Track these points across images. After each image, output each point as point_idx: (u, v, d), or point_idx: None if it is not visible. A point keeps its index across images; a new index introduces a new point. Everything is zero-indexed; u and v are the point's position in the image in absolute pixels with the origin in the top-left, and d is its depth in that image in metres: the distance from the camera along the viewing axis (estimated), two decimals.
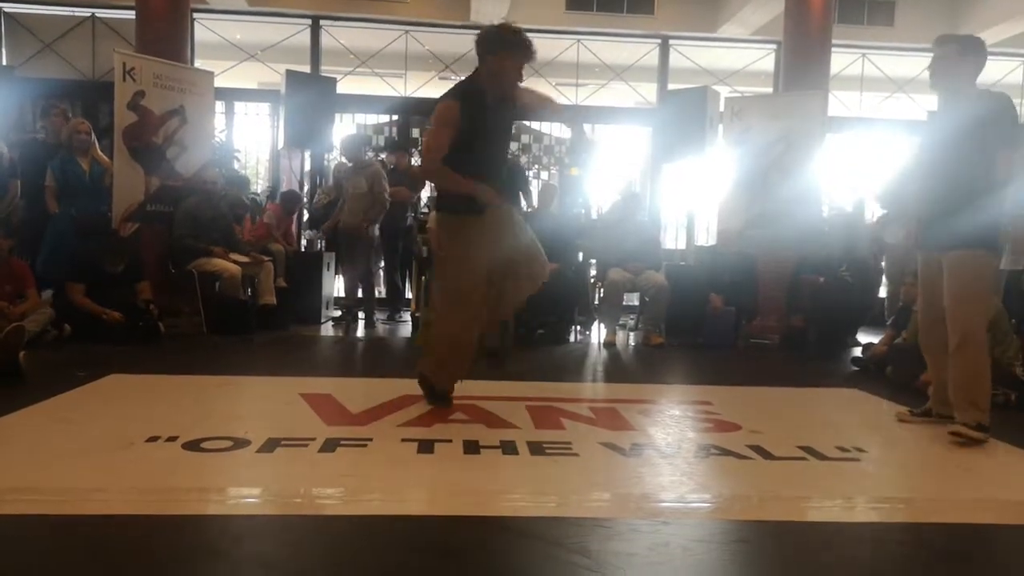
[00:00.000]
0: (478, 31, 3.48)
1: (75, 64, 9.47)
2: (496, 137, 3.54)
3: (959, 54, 3.36)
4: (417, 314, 6.89)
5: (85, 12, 9.46)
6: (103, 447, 2.85)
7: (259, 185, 10.00)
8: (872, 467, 2.95)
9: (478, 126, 3.37)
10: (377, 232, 7.07)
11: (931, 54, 3.44)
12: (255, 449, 2.87)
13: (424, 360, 3.72)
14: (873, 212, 7.89)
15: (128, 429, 3.07)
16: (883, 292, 7.73)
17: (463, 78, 3.55)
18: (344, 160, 7.69)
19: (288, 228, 7.85)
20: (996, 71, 10.01)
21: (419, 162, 3.47)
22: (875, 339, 5.72)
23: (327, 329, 6.96)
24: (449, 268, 3.61)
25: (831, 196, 7.96)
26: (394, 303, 7.82)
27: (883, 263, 7.39)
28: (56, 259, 5.94)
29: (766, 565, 2.08)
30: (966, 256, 3.30)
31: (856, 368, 5.36)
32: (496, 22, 3.54)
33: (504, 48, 3.37)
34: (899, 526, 2.40)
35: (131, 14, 7.58)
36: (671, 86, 9.83)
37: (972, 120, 3.27)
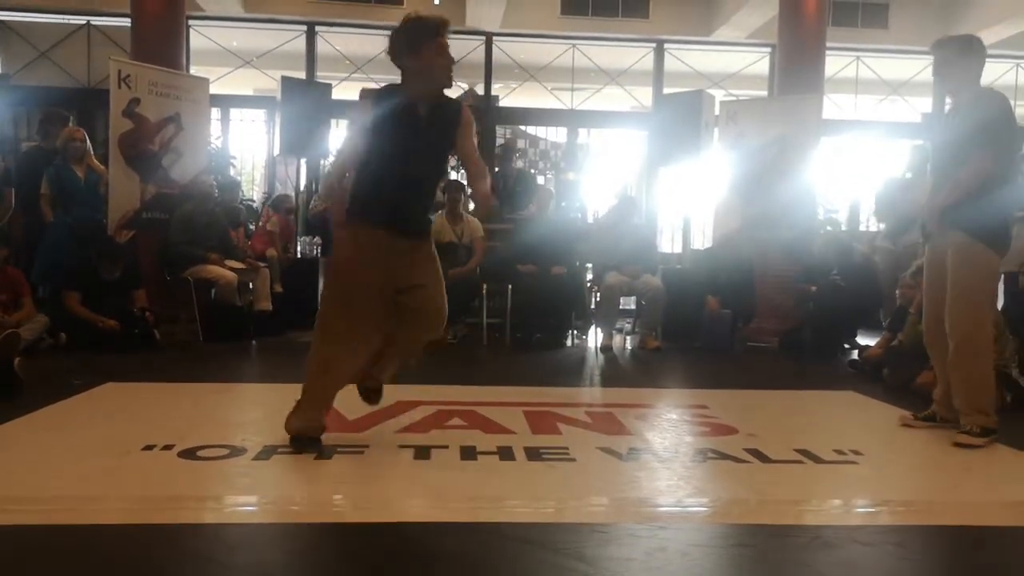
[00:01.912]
0: (393, 31, 3.02)
1: (70, 72, 9.48)
2: (425, 152, 3.00)
3: (959, 54, 3.37)
4: None
5: (80, 20, 9.47)
6: (99, 455, 2.84)
7: (255, 191, 10.00)
8: (869, 470, 2.95)
9: (404, 137, 2.92)
10: None
11: (929, 58, 3.45)
12: (251, 457, 2.87)
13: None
14: (868, 218, 7.90)
15: (124, 437, 3.06)
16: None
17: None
18: None
19: (291, 237, 7.82)
20: (990, 73, 10.03)
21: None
22: (872, 341, 5.74)
23: None
24: (339, 280, 3.06)
25: (826, 199, 7.98)
26: None
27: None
28: (52, 267, 5.92)
29: (764, 569, 2.08)
30: (969, 245, 3.27)
31: (853, 371, 5.36)
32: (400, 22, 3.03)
33: (425, 39, 2.92)
34: (897, 528, 2.40)
35: (126, 21, 7.60)
36: (666, 90, 9.86)
37: (969, 121, 3.28)
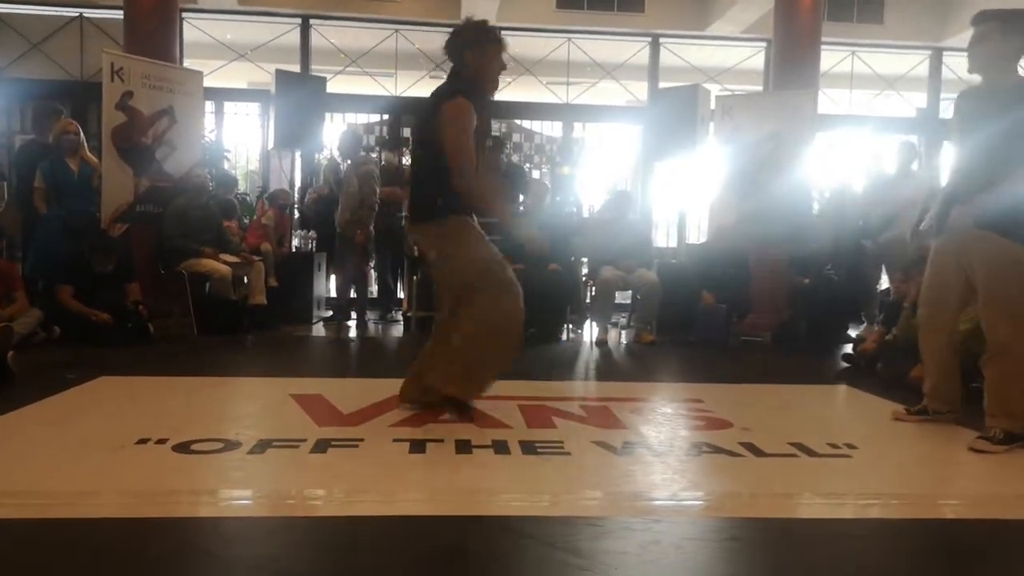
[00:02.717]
0: (454, 30, 3.37)
1: (63, 64, 9.41)
2: (486, 141, 3.50)
3: (1001, 32, 3.10)
4: (409, 314, 6.88)
5: (73, 12, 9.40)
6: (93, 450, 2.84)
7: (248, 185, 9.97)
8: (863, 463, 2.96)
9: (481, 131, 3.33)
10: (372, 232, 7.06)
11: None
12: (246, 450, 2.86)
13: (442, 376, 3.39)
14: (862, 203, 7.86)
15: (118, 431, 3.06)
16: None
17: (453, 78, 3.38)
18: (337, 158, 7.68)
19: (286, 231, 7.80)
20: None
21: (458, 176, 3.21)
22: (862, 330, 5.75)
23: (318, 329, 6.95)
24: (479, 264, 3.36)
25: (821, 193, 7.99)
26: (386, 303, 7.81)
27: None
28: (45, 260, 5.90)
29: (758, 562, 2.09)
30: (1003, 246, 3.09)
31: (847, 365, 5.38)
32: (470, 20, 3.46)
33: (490, 40, 3.33)
34: (890, 522, 2.41)
35: (119, 14, 7.54)
36: (662, 84, 9.84)
37: (1017, 107, 3.06)
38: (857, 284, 6.63)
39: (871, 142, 9.92)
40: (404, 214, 7.73)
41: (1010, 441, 3.12)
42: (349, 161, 7.13)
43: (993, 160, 3.13)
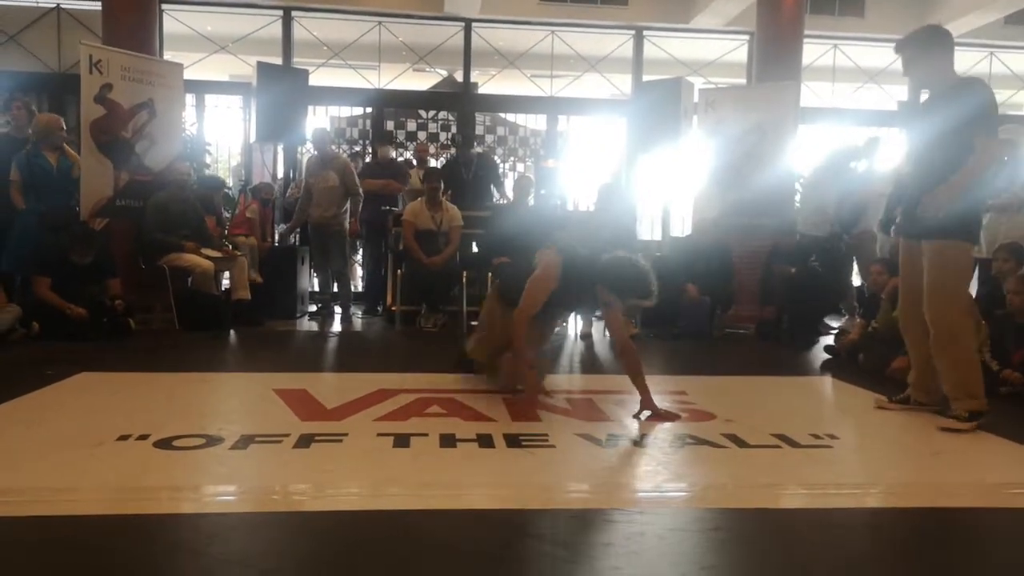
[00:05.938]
0: None
1: (40, 56, 9.29)
2: None
3: (923, 50, 3.39)
4: (393, 308, 6.85)
5: (50, 3, 9.27)
6: (72, 446, 2.80)
7: (230, 178, 9.89)
8: (845, 453, 2.99)
9: None
10: (350, 224, 7.03)
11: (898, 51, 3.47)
12: (228, 446, 2.84)
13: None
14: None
15: (98, 428, 3.02)
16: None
17: None
18: (314, 153, 7.65)
19: (269, 224, 7.75)
20: (965, 61, 10.14)
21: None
22: (844, 322, 5.79)
23: (302, 324, 6.91)
24: None
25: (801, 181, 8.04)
26: (374, 297, 7.77)
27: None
28: (23, 255, 5.82)
29: (741, 552, 2.10)
30: (945, 246, 3.33)
31: (829, 356, 5.42)
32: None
33: None
34: (872, 511, 2.43)
35: (97, 5, 7.45)
36: (645, 77, 9.85)
37: (955, 110, 3.28)
38: (838, 276, 6.68)
39: (852, 135, 10.00)
40: (387, 207, 7.70)
41: (975, 418, 3.27)
42: (319, 156, 7.09)
43: (944, 152, 3.30)
